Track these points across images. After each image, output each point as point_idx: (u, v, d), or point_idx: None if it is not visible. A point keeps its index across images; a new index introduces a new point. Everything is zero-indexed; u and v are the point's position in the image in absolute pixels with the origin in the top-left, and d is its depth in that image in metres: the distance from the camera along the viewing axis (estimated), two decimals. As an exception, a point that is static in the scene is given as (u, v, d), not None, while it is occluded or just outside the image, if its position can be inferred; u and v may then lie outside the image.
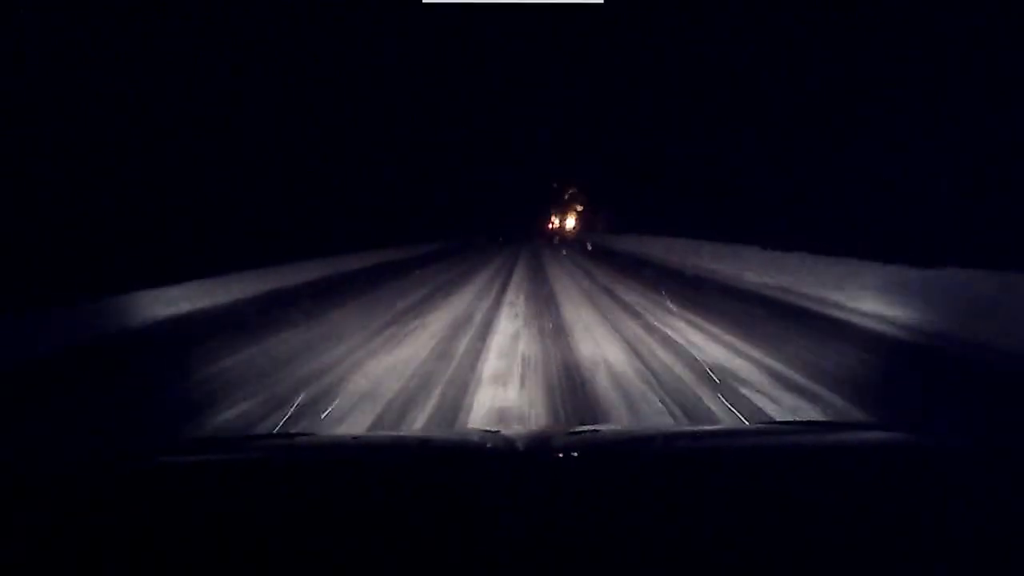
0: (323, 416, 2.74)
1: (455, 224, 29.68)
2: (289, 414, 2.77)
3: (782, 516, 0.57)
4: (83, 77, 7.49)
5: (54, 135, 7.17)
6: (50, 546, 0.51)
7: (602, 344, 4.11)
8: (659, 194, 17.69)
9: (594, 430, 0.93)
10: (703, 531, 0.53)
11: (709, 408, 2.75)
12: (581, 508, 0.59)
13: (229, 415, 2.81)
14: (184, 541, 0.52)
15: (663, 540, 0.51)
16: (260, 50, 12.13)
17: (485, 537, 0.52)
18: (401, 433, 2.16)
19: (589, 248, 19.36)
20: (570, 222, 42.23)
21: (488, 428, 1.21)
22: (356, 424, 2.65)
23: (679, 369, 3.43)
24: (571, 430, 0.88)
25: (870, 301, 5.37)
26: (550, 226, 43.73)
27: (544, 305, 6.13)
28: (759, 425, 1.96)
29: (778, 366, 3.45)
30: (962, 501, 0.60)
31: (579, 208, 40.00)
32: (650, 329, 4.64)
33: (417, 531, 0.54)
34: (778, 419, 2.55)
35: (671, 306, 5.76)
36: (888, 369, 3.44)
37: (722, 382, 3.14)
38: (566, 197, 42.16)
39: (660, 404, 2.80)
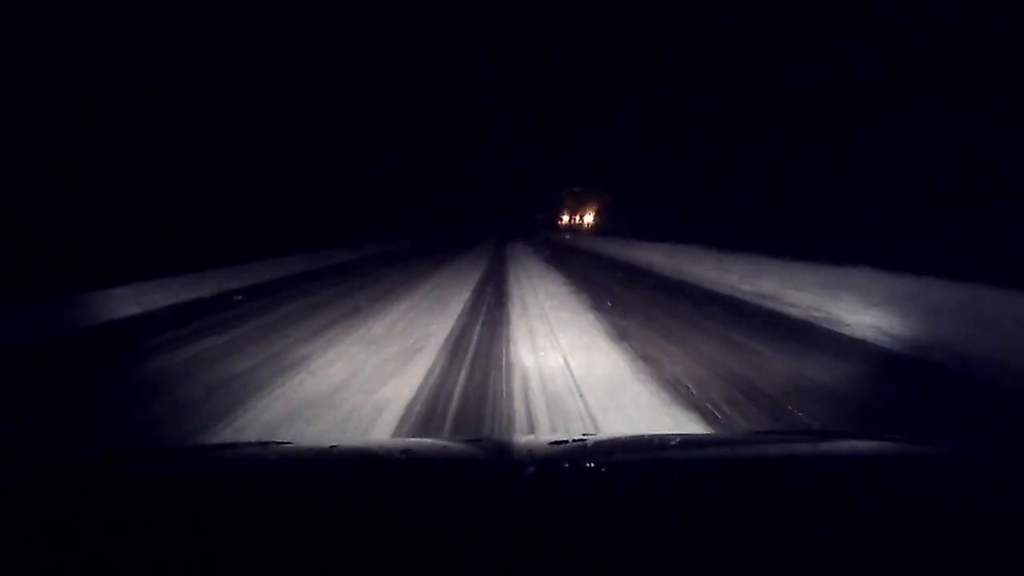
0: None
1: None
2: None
3: (772, 525, 0.56)
4: (85, 76, 7.44)
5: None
6: (23, 551, 0.51)
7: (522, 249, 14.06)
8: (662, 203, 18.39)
9: (579, 439, 0.92)
10: (691, 540, 0.53)
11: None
12: (564, 517, 0.59)
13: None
14: (155, 550, 0.51)
15: (649, 550, 0.51)
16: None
17: (467, 547, 0.52)
18: (382, 441, 2.12)
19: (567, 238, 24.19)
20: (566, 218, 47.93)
21: (470, 437, 1.19)
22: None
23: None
24: (553, 439, 0.88)
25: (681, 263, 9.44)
26: (560, 221, 50.92)
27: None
28: (748, 434, 1.99)
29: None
30: (955, 508, 0.61)
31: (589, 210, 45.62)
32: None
33: (398, 541, 0.53)
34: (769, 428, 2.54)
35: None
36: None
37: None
38: (569, 199, 46.55)
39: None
